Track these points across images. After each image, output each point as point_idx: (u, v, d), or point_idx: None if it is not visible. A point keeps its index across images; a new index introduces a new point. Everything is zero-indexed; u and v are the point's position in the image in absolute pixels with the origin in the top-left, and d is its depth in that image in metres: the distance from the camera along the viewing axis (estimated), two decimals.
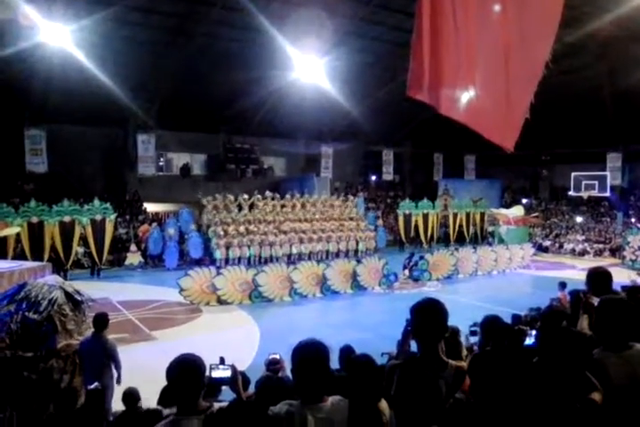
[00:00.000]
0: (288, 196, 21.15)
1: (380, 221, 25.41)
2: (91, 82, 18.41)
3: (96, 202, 18.11)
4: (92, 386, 4.34)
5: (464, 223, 26.85)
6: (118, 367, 5.95)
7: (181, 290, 13.64)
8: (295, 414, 2.28)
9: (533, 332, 4.16)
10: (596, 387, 2.38)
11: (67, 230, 17.29)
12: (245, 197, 20.61)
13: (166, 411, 2.45)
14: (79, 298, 6.54)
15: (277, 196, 21.38)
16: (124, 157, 24.06)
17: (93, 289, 8.06)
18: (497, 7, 3.40)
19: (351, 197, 24.28)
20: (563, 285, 10.29)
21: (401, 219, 25.25)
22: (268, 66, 20.63)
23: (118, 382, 5.90)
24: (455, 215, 26.68)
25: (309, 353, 2.38)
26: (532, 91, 3.45)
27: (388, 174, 32.72)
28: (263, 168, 28.80)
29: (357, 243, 21.70)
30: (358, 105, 24.52)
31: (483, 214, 27.52)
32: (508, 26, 3.36)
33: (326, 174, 29.42)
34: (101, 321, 6.00)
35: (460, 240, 26.30)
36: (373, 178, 33.67)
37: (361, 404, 2.39)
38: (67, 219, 17.26)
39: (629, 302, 2.93)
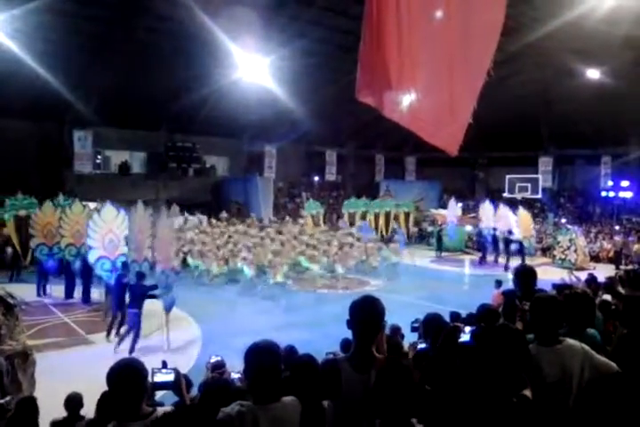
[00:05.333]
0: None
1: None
2: (25, 74, 17.58)
3: (19, 196, 16.49)
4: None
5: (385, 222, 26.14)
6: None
7: None
8: (247, 414, 2.29)
9: (467, 328, 4.27)
10: (527, 384, 2.50)
11: (22, 225, 16.10)
12: (224, 215, 20.50)
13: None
14: (11, 301, 6.23)
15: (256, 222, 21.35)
16: (60, 153, 23.09)
17: (21, 291, 7.70)
18: (440, 14, 3.50)
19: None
20: (499, 283, 10.66)
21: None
22: (212, 63, 20.34)
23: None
24: (377, 215, 25.93)
25: (264, 354, 2.40)
26: (475, 97, 3.57)
27: (331, 175, 33.01)
28: (205, 167, 28.38)
29: None
30: (302, 105, 24.55)
31: (407, 214, 27.20)
32: (452, 33, 3.47)
33: (270, 174, 29.28)
34: None
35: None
36: (316, 178, 33.81)
37: (308, 403, 2.42)
38: (22, 213, 16.14)
39: (559, 298, 3.11)
